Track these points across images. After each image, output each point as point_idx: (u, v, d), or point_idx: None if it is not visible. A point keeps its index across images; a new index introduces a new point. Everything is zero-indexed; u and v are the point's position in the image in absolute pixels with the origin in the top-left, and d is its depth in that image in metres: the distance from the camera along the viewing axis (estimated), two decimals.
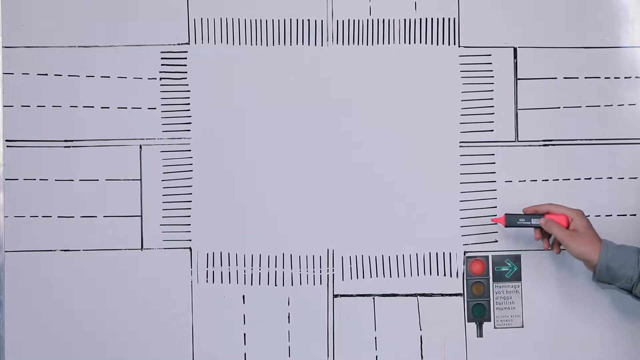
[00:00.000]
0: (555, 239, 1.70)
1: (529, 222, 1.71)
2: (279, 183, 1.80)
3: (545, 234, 1.71)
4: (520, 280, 1.81)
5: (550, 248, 1.72)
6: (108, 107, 1.80)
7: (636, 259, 1.60)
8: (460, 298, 1.81)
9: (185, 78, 1.81)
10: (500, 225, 1.79)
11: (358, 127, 1.81)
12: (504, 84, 1.82)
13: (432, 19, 1.81)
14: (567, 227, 1.67)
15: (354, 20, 1.81)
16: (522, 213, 1.72)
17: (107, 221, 1.80)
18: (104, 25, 1.80)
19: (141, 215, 1.80)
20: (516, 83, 1.82)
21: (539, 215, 1.70)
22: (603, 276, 1.63)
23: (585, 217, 1.68)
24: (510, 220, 1.72)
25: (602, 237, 1.66)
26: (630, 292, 1.62)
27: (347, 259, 1.80)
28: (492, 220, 1.76)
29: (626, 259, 1.60)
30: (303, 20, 1.81)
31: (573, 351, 1.80)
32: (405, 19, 1.81)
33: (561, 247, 1.70)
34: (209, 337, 1.80)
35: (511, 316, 1.81)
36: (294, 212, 1.80)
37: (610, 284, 1.63)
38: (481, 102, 1.81)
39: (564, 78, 1.82)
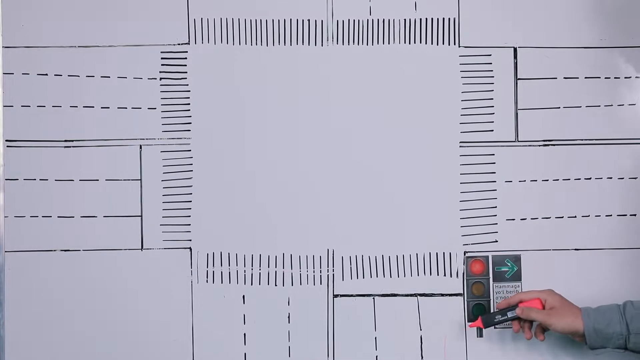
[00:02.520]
0: (537, 325, 1.69)
1: (506, 317, 1.70)
2: (279, 183, 1.80)
3: (524, 323, 1.70)
4: (520, 280, 1.81)
5: (533, 336, 1.70)
6: (108, 107, 1.80)
7: (619, 314, 1.60)
8: (461, 298, 1.81)
9: (185, 78, 1.81)
10: (501, 225, 1.79)
11: (358, 127, 1.81)
12: (504, 84, 1.82)
13: (432, 19, 1.81)
14: (543, 309, 1.68)
15: (354, 20, 1.81)
16: (496, 310, 1.72)
17: (107, 221, 1.80)
18: (104, 25, 1.80)
19: (141, 215, 1.80)
20: (516, 83, 1.82)
21: (513, 306, 1.70)
22: (594, 341, 1.62)
23: (557, 293, 1.69)
24: (487, 321, 1.73)
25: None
26: (625, 348, 1.61)
27: (347, 259, 1.80)
28: (469, 325, 1.76)
29: (610, 317, 1.60)
30: (303, 20, 1.81)
31: (573, 351, 1.80)
32: (405, 19, 1.81)
33: (544, 330, 1.69)
34: (209, 337, 1.80)
35: None
36: (294, 212, 1.80)
37: (604, 347, 1.62)
38: (481, 102, 1.81)
39: (564, 78, 1.82)
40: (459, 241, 1.81)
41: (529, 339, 1.70)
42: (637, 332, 1.59)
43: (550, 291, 1.69)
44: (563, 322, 1.63)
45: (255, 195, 1.80)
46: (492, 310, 1.80)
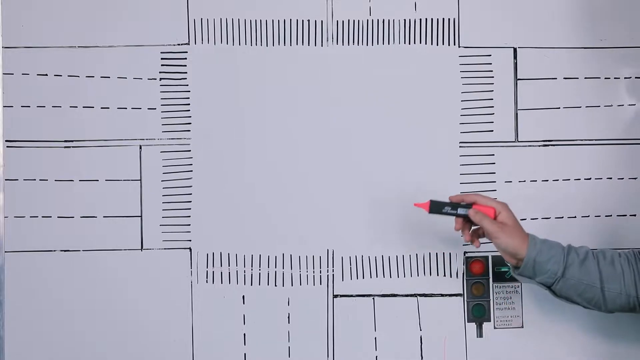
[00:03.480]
0: (475, 231, 1.64)
1: (455, 212, 1.60)
2: (279, 183, 1.80)
3: (466, 226, 1.64)
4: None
5: (470, 241, 1.64)
6: (108, 107, 1.80)
7: (562, 255, 1.58)
8: (460, 298, 1.81)
9: (185, 78, 1.81)
10: None
11: (358, 127, 1.81)
12: (504, 84, 1.82)
13: (432, 19, 1.81)
14: (495, 219, 1.61)
15: (354, 21, 1.81)
16: (449, 201, 1.63)
17: (107, 221, 1.80)
18: (104, 25, 1.80)
19: (141, 216, 1.80)
20: (516, 83, 1.82)
21: (467, 205, 1.61)
22: (527, 270, 1.59)
23: (511, 211, 1.62)
24: (435, 207, 1.62)
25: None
26: (549, 287, 1.59)
27: (347, 259, 1.80)
28: (414, 205, 1.65)
29: (553, 254, 1.58)
30: (303, 21, 1.81)
31: (573, 351, 1.80)
32: (405, 19, 1.81)
33: (480, 239, 1.64)
34: (209, 337, 1.80)
35: (511, 316, 1.81)
36: (294, 213, 1.80)
37: (530, 278, 1.60)
38: (481, 102, 1.81)
39: (564, 78, 1.82)
40: (458, 241, 1.80)
41: (467, 241, 1.64)
42: (569, 278, 1.57)
43: (506, 205, 1.62)
44: (511, 241, 1.58)
45: (255, 195, 1.80)
46: (491, 307, 1.80)
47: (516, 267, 1.61)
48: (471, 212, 1.60)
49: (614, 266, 1.59)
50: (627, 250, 1.63)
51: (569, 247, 1.61)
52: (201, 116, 1.80)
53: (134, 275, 1.79)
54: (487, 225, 1.59)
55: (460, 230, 1.63)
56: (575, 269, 1.58)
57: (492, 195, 1.81)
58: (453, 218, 1.61)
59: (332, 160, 1.81)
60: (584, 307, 1.62)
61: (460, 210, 1.61)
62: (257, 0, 1.80)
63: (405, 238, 1.80)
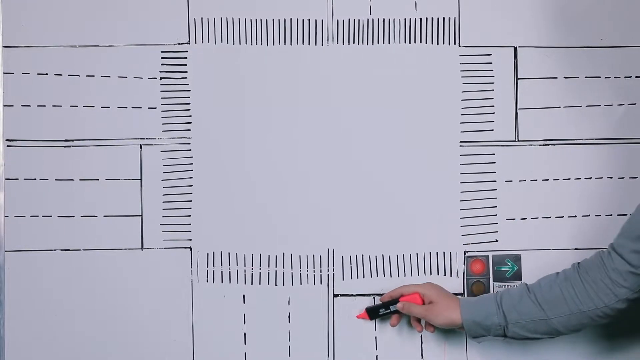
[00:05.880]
0: (416, 319, 1.74)
1: (389, 310, 1.75)
2: (279, 183, 1.80)
3: (413, 317, 1.74)
4: (521, 280, 1.81)
5: (421, 330, 1.75)
6: (108, 107, 1.80)
7: (495, 305, 1.63)
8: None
9: (186, 78, 1.81)
10: (501, 225, 1.79)
11: (358, 127, 1.81)
12: (504, 83, 1.82)
13: (432, 18, 1.81)
14: (423, 303, 1.71)
15: (354, 20, 1.81)
16: (380, 303, 1.76)
17: (107, 221, 1.80)
18: (104, 25, 1.80)
19: (141, 215, 1.80)
20: (516, 83, 1.82)
21: (395, 300, 1.74)
22: (475, 332, 1.65)
23: (436, 286, 1.73)
24: (373, 313, 1.77)
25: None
26: (505, 336, 1.63)
27: (347, 259, 1.80)
28: (357, 316, 1.78)
29: (487, 309, 1.63)
30: (303, 20, 1.81)
31: (572, 351, 1.80)
32: (405, 19, 1.81)
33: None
34: (209, 337, 1.80)
35: None
36: (294, 212, 1.80)
37: (484, 336, 1.65)
38: (481, 102, 1.82)
39: (564, 78, 1.82)
40: (459, 241, 1.81)
41: (419, 332, 1.76)
42: (515, 322, 1.61)
43: (429, 284, 1.74)
44: (441, 317, 1.67)
45: (255, 195, 1.80)
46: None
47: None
48: (399, 306, 1.73)
49: (551, 291, 1.60)
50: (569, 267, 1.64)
51: (502, 293, 1.65)
52: (201, 115, 1.80)
53: (134, 274, 1.79)
54: (416, 312, 1.71)
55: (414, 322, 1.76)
56: (514, 312, 1.61)
57: (492, 195, 1.81)
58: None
59: (332, 159, 1.81)
60: (549, 338, 1.64)
61: (392, 307, 1.75)
62: (257, 0, 1.80)
63: (406, 237, 1.80)
